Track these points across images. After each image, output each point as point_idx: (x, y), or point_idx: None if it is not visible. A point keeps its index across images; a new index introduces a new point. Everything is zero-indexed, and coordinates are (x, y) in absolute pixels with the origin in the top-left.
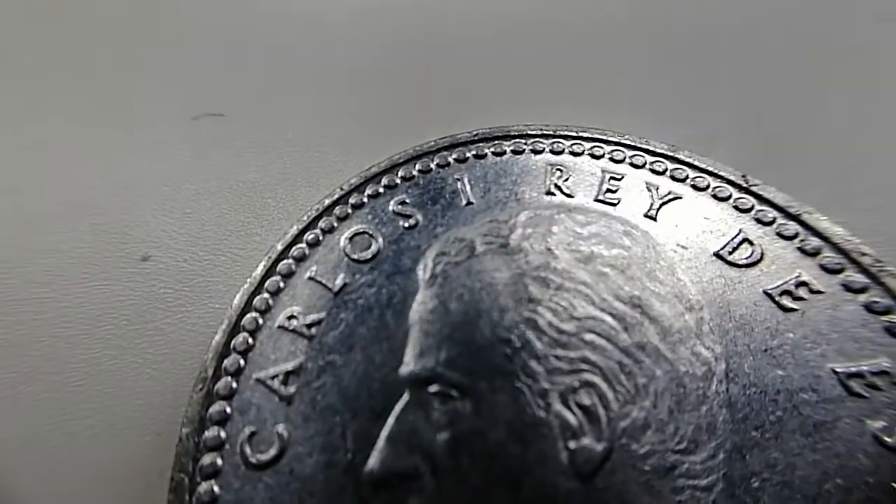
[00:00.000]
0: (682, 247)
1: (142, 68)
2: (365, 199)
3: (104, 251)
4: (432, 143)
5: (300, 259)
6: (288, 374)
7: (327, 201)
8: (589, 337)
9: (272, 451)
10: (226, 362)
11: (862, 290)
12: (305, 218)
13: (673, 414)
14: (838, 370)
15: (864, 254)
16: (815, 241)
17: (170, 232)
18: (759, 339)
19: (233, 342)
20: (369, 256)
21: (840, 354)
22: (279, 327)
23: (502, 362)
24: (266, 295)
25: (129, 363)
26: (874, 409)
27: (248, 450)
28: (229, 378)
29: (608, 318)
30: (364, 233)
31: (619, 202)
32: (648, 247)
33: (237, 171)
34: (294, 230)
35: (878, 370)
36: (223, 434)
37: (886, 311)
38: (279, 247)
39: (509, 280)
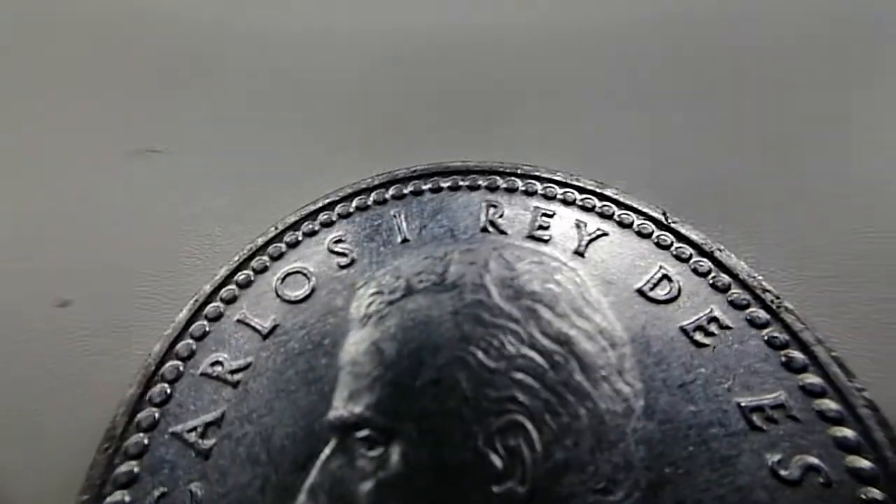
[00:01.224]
0: (608, 283)
1: (70, 100)
2: (300, 237)
3: (16, 296)
4: (370, 180)
5: (230, 301)
6: (208, 425)
7: (261, 240)
8: (518, 376)
9: None
10: (139, 416)
11: (764, 326)
12: (237, 258)
13: (594, 454)
14: (742, 404)
15: (766, 290)
16: (724, 278)
17: (92, 274)
18: (675, 375)
19: (149, 394)
20: (302, 296)
21: (745, 388)
22: (202, 374)
23: (432, 405)
24: (190, 340)
25: (39, 422)
26: (772, 443)
27: None
28: (141, 434)
29: (536, 357)
30: (298, 272)
31: (550, 238)
32: (576, 283)
33: (170, 209)
34: (224, 271)
35: (775, 404)
36: (127, 498)
37: (784, 346)
38: (207, 288)
39: (443, 318)
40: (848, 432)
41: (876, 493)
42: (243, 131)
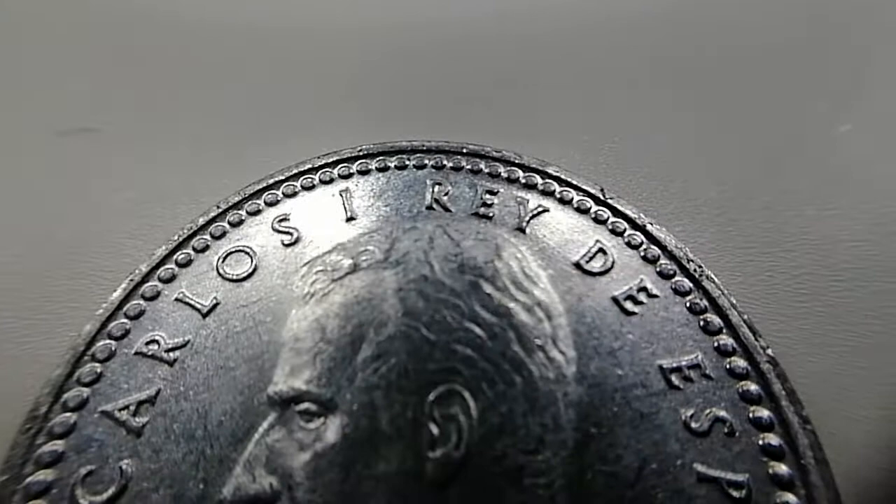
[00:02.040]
0: (548, 257)
1: None
2: (244, 216)
3: None
4: (316, 159)
5: (168, 280)
6: (140, 403)
7: (202, 220)
8: (457, 348)
9: (110, 491)
10: (66, 396)
11: (687, 293)
12: (177, 237)
13: (526, 417)
14: (664, 366)
15: (690, 260)
16: (655, 250)
17: (27, 256)
18: (606, 342)
19: (77, 374)
20: (245, 274)
21: (667, 352)
22: (136, 353)
23: (372, 378)
24: (124, 320)
25: None
26: (687, 399)
27: (79, 492)
28: (68, 414)
29: (476, 329)
30: (241, 250)
31: (493, 215)
32: (517, 258)
33: (110, 188)
34: (163, 250)
35: (692, 364)
36: (51, 477)
37: (703, 311)
38: (144, 268)
39: (386, 295)
40: (752, 386)
41: (773, 438)
42: (187, 111)
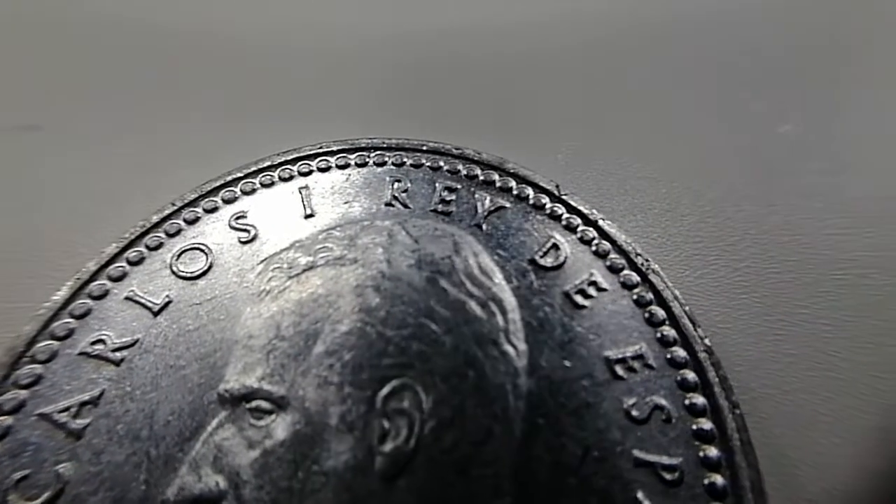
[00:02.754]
0: (503, 253)
1: None
2: (200, 214)
3: None
4: (276, 157)
5: (118, 279)
6: (83, 405)
7: (156, 217)
8: (412, 343)
9: (46, 495)
10: (1, 399)
11: (634, 286)
12: (128, 235)
13: (476, 409)
14: (609, 357)
15: (638, 254)
16: (606, 245)
17: None
18: (556, 335)
19: (14, 376)
20: (199, 272)
21: (613, 343)
22: (80, 354)
23: (327, 373)
24: (69, 320)
25: None
26: (629, 388)
27: (13, 497)
28: (3, 417)
29: (431, 324)
30: (196, 248)
31: (451, 212)
32: (474, 254)
33: (58, 186)
34: (113, 248)
35: (635, 355)
36: None
37: (648, 304)
38: (92, 266)
39: (343, 291)
40: (689, 374)
41: (705, 423)
42: (144, 108)
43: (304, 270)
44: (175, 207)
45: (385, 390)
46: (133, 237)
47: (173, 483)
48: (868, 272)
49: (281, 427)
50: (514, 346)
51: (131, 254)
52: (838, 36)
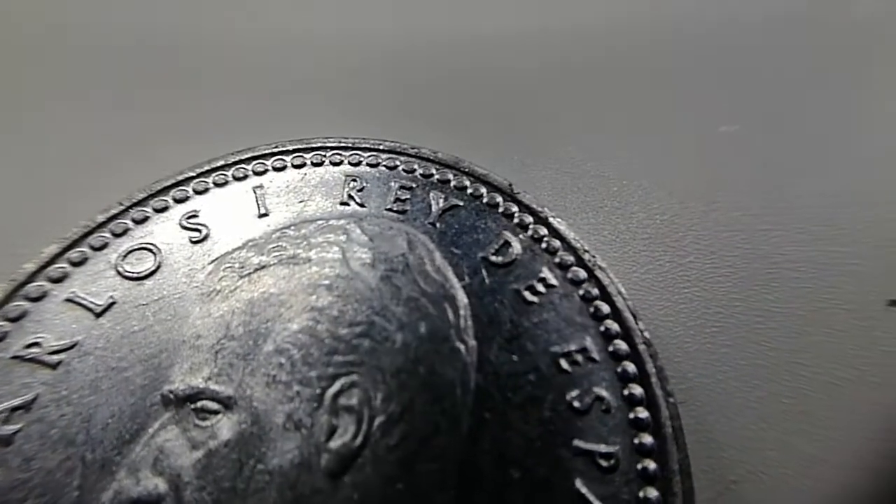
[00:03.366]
0: (457, 251)
1: None
2: (150, 213)
3: None
4: (230, 156)
5: (58, 280)
6: (13, 410)
7: (101, 217)
8: (362, 341)
9: None
10: None
11: (581, 283)
12: (71, 235)
13: (425, 406)
14: (555, 351)
15: (586, 251)
16: (556, 243)
17: None
18: (505, 331)
19: None
20: (146, 272)
21: (559, 338)
22: (13, 357)
23: (277, 372)
24: (2, 323)
25: None
26: (573, 381)
27: None
28: None
29: (381, 321)
30: (144, 248)
31: (406, 211)
32: (428, 250)
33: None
34: (53, 249)
35: (580, 348)
36: None
37: (594, 299)
38: (30, 267)
39: (296, 290)
40: (629, 366)
41: (642, 412)
42: (91, 103)
43: (257, 270)
44: (122, 207)
45: (334, 388)
46: (76, 237)
47: (109, 487)
48: (797, 265)
49: (226, 427)
50: (465, 343)
51: (73, 254)
52: (779, 38)
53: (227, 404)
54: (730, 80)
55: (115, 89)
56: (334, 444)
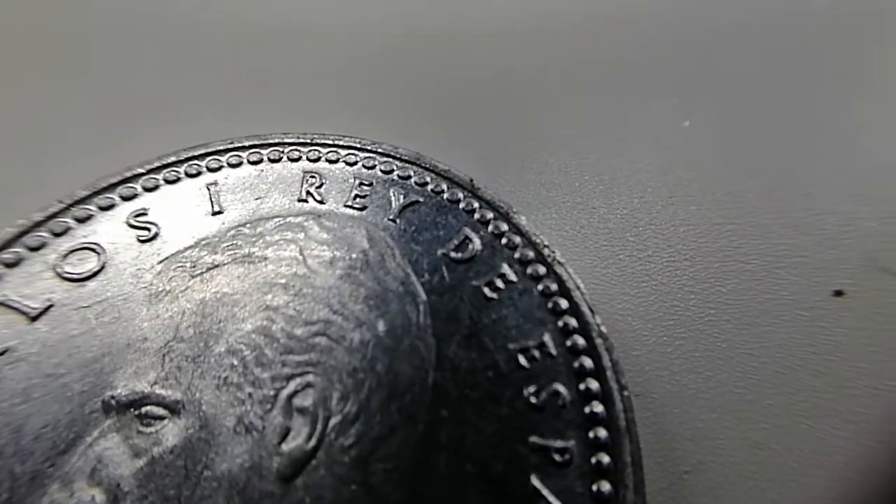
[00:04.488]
0: (416, 247)
1: None
2: (94, 211)
3: None
4: (182, 152)
5: None
6: None
7: (39, 216)
8: (318, 340)
9: None
10: None
11: (541, 279)
12: (3, 235)
13: (382, 404)
14: (514, 348)
15: (545, 246)
16: (516, 238)
17: None
18: (464, 327)
19: None
20: (88, 273)
21: (519, 334)
22: None
23: (228, 373)
24: None
25: None
26: (531, 377)
27: None
28: None
29: (339, 320)
30: (86, 247)
31: (365, 207)
32: (386, 248)
33: None
34: None
35: (538, 344)
36: None
37: (553, 294)
38: None
39: (250, 290)
40: (586, 361)
41: (598, 406)
42: (34, 91)
43: (209, 269)
44: (63, 205)
45: (288, 389)
46: (10, 237)
47: (40, 501)
48: (749, 258)
49: (172, 433)
50: (424, 340)
51: (6, 255)
52: (737, 31)
53: (174, 409)
54: (687, 74)
55: (62, 78)
56: (287, 446)
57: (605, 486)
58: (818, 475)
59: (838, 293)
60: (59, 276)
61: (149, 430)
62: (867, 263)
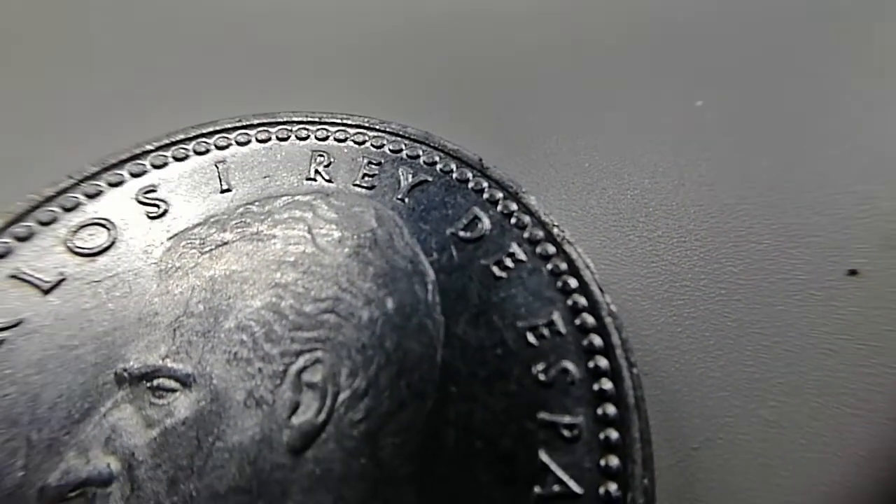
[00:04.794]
0: (425, 226)
1: None
2: (104, 188)
3: None
4: (190, 129)
5: (1, 255)
6: None
7: (49, 191)
8: (327, 317)
9: None
10: None
11: (550, 258)
12: (15, 209)
13: (392, 381)
14: (523, 325)
15: (555, 226)
16: (525, 218)
17: None
18: (472, 306)
19: None
20: (99, 248)
21: (528, 313)
22: None
23: (238, 349)
24: None
25: None
26: (539, 355)
27: None
28: None
29: (348, 297)
30: (97, 223)
31: (374, 186)
32: (395, 227)
33: None
34: None
35: (547, 322)
36: None
37: (562, 273)
38: None
39: (259, 267)
40: (595, 339)
41: (606, 383)
42: (44, 69)
43: (219, 246)
44: (73, 181)
45: (297, 364)
46: (21, 212)
47: (56, 468)
48: (762, 238)
49: (184, 405)
50: (432, 318)
51: (18, 229)
52: (752, 14)
53: (186, 382)
54: (700, 55)
55: (72, 55)
56: (297, 420)
57: (614, 461)
58: (827, 453)
59: (852, 272)
60: (70, 250)
61: (161, 401)
62: (882, 243)
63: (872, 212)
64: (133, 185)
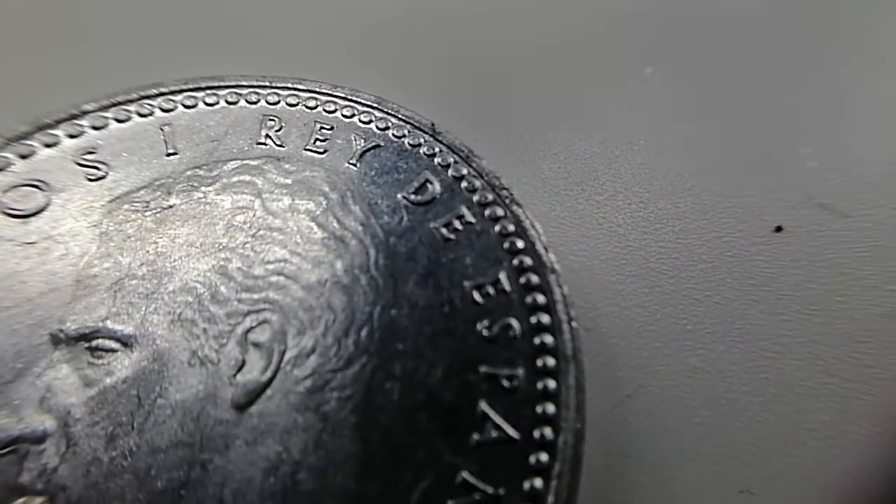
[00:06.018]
0: (376, 190)
1: None
2: (37, 148)
3: None
4: (133, 91)
5: None
6: None
7: None
8: (275, 279)
9: None
10: None
11: (498, 220)
12: None
13: (339, 339)
14: (468, 285)
15: (504, 188)
16: (476, 182)
17: None
18: (421, 267)
19: None
20: (34, 210)
21: (475, 272)
22: None
23: (183, 310)
24: None
25: None
26: (485, 312)
27: None
28: None
29: (296, 260)
30: (30, 184)
31: (325, 151)
32: (346, 192)
33: None
34: None
35: (493, 281)
36: None
37: (510, 235)
38: None
39: (204, 230)
40: (539, 296)
41: (547, 337)
42: None
43: (164, 210)
44: (4, 141)
45: (244, 325)
46: None
47: None
48: (701, 197)
49: (124, 364)
50: (381, 279)
51: None
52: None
53: (126, 342)
54: (649, 21)
55: (7, 8)
56: (242, 377)
57: (550, 408)
58: (746, 392)
59: (778, 229)
60: (2, 212)
61: (100, 361)
62: (804, 200)
63: (799, 172)
64: (70, 147)
